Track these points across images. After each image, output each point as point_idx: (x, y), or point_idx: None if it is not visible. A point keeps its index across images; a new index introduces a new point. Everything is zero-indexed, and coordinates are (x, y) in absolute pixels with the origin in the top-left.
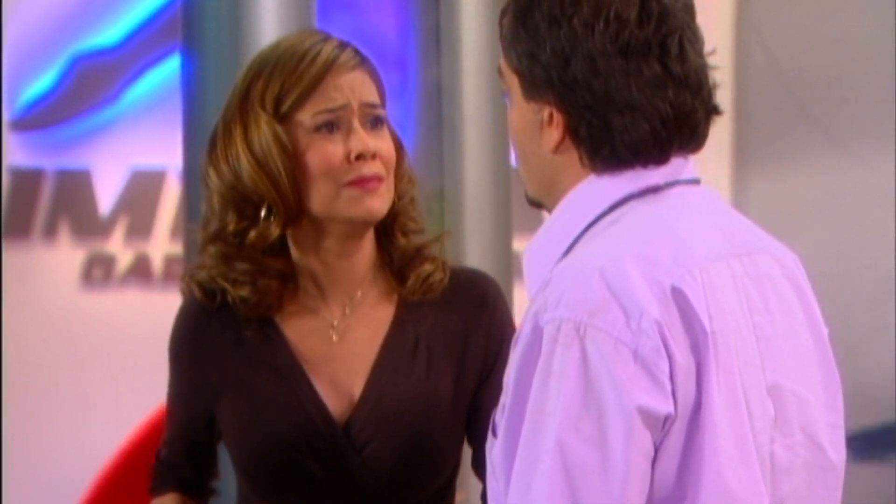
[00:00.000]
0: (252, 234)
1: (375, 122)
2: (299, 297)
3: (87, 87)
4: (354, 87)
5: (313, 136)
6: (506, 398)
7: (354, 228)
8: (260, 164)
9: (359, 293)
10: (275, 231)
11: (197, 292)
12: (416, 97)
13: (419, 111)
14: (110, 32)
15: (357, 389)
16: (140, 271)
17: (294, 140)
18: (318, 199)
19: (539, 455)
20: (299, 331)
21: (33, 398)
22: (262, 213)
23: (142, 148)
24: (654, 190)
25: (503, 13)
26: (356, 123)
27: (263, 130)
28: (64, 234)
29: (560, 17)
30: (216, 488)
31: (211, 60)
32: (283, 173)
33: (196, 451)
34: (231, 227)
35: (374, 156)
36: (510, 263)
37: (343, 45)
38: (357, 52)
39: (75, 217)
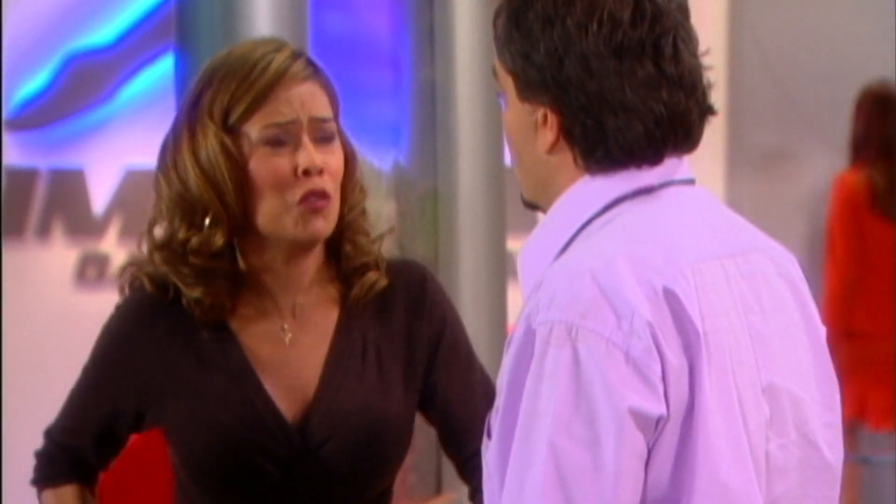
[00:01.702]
0: (194, 241)
1: (325, 137)
2: (251, 301)
3: (81, 86)
4: (304, 100)
5: (261, 150)
6: (499, 400)
7: (298, 246)
8: (206, 174)
9: (306, 298)
10: (218, 240)
11: (147, 285)
12: (410, 97)
13: (413, 111)
14: (104, 32)
15: (310, 391)
16: None
17: (240, 152)
18: (264, 214)
19: (532, 456)
20: (252, 335)
21: (27, 397)
22: (207, 221)
23: (136, 147)
24: (647, 190)
25: (497, 14)
26: (305, 138)
27: (211, 141)
28: (58, 234)
29: (553, 17)
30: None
31: (205, 60)
32: (229, 184)
33: (107, 442)
34: (180, 235)
35: (321, 171)
36: (504, 263)
37: (295, 56)
38: (309, 62)
39: (69, 216)
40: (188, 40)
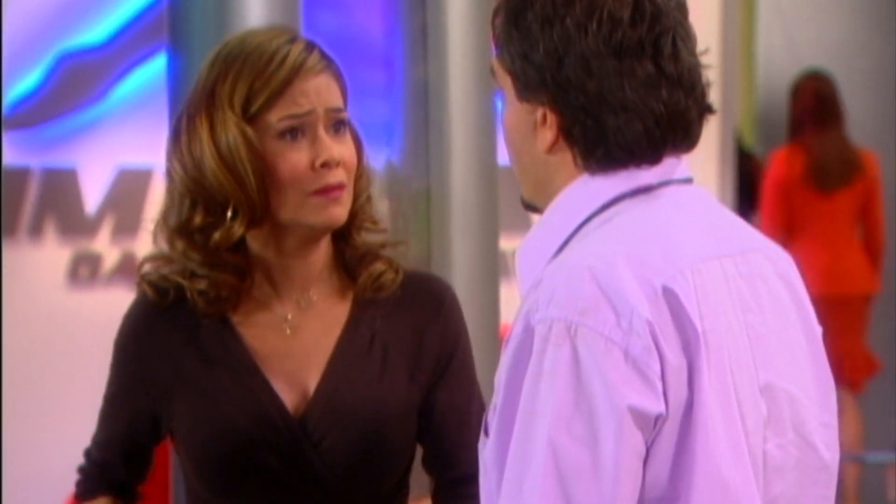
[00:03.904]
0: (217, 235)
1: (339, 127)
2: (253, 293)
3: (74, 85)
4: (321, 91)
5: (279, 142)
6: (497, 398)
7: (315, 233)
8: (227, 164)
9: (313, 290)
10: (238, 230)
11: (149, 291)
12: (403, 97)
13: (406, 111)
14: (96, 31)
15: (312, 384)
16: (126, 270)
17: (261, 142)
18: (284, 205)
19: (531, 455)
20: (253, 327)
21: (20, 396)
22: (229, 213)
23: (128, 147)
24: (646, 190)
25: (495, 13)
26: (321, 130)
27: (232, 131)
28: (50, 233)
29: (553, 17)
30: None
31: (197, 59)
32: (250, 175)
33: (133, 453)
34: (197, 221)
35: (337, 163)
36: (497, 263)
37: (310, 48)
38: (323, 54)
39: (62, 216)
40: (180, 39)
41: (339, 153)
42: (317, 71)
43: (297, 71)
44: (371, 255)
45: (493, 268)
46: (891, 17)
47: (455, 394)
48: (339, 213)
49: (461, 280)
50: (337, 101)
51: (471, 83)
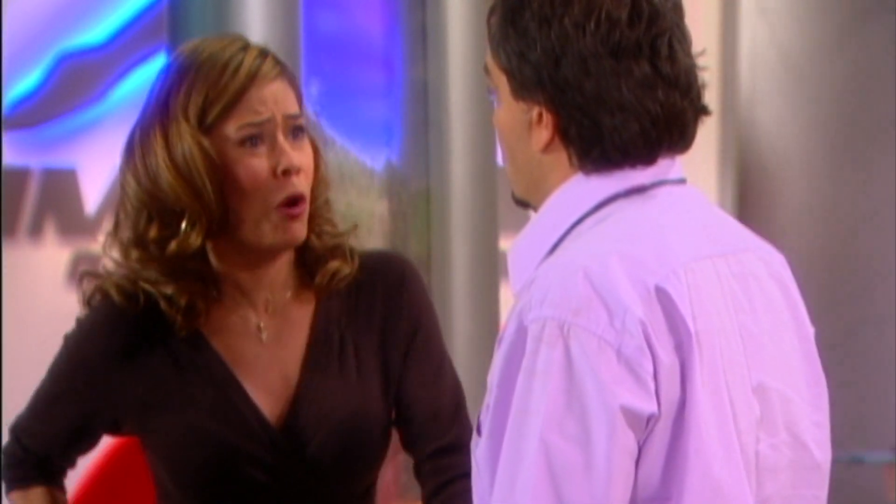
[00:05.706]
0: (173, 245)
1: (297, 133)
2: (224, 303)
3: (73, 85)
4: (278, 98)
5: (238, 150)
6: (490, 397)
7: (275, 250)
8: (183, 175)
9: (279, 294)
10: (195, 241)
11: (116, 295)
12: (403, 97)
13: (405, 111)
14: (96, 31)
15: (290, 391)
16: None
17: (219, 153)
18: (244, 218)
19: (523, 454)
20: (228, 337)
21: (20, 396)
22: (184, 224)
23: None
24: (640, 190)
25: (491, 11)
26: (280, 137)
27: (187, 142)
28: (50, 233)
29: (551, 17)
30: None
31: None
32: (208, 186)
33: (76, 446)
34: (152, 233)
35: (298, 171)
36: (496, 262)
37: (263, 55)
38: (277, 61)
39: (61, 216)
40: (180, 40)
41: (299, 160)
42: (271, 77)
43: (252, 78)
44: (327, 254)
45: (493, 267)
46: (884, 15)
47: (424, 368)
48: (300, 231)
49: (461, 280)
50: (293, 107)
51: (471, 83)
